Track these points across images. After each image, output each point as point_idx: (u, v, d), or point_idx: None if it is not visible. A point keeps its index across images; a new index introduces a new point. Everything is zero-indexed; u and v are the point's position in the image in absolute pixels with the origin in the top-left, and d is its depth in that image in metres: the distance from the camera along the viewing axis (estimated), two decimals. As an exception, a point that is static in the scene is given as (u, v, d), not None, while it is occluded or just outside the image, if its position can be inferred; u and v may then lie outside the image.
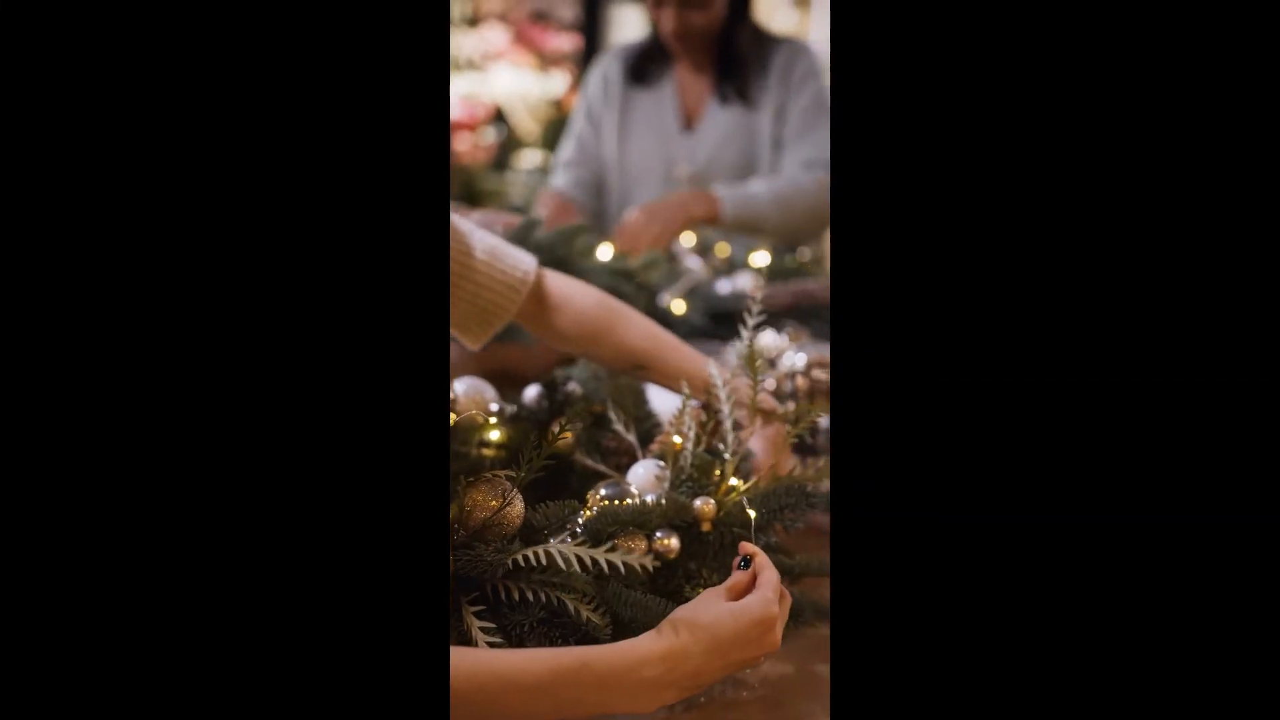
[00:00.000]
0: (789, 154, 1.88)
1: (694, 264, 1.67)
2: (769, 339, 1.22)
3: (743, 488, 0.86)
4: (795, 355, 1.20)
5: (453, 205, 1.29)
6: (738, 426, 0.91)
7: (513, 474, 0.77)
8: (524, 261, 1.01)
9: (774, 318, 1.43)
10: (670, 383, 0.98)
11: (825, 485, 0.88)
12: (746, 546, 0.76)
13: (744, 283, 1.52)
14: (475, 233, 1.00)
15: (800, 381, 1.18)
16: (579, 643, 0.73)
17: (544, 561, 0.71)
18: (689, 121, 1.97)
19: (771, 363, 1.20)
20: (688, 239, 1.76)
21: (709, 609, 0.70)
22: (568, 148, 2.07)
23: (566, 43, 3.73)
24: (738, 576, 0.73)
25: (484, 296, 0.99)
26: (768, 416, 0.95)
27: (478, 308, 1.00)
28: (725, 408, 0.90)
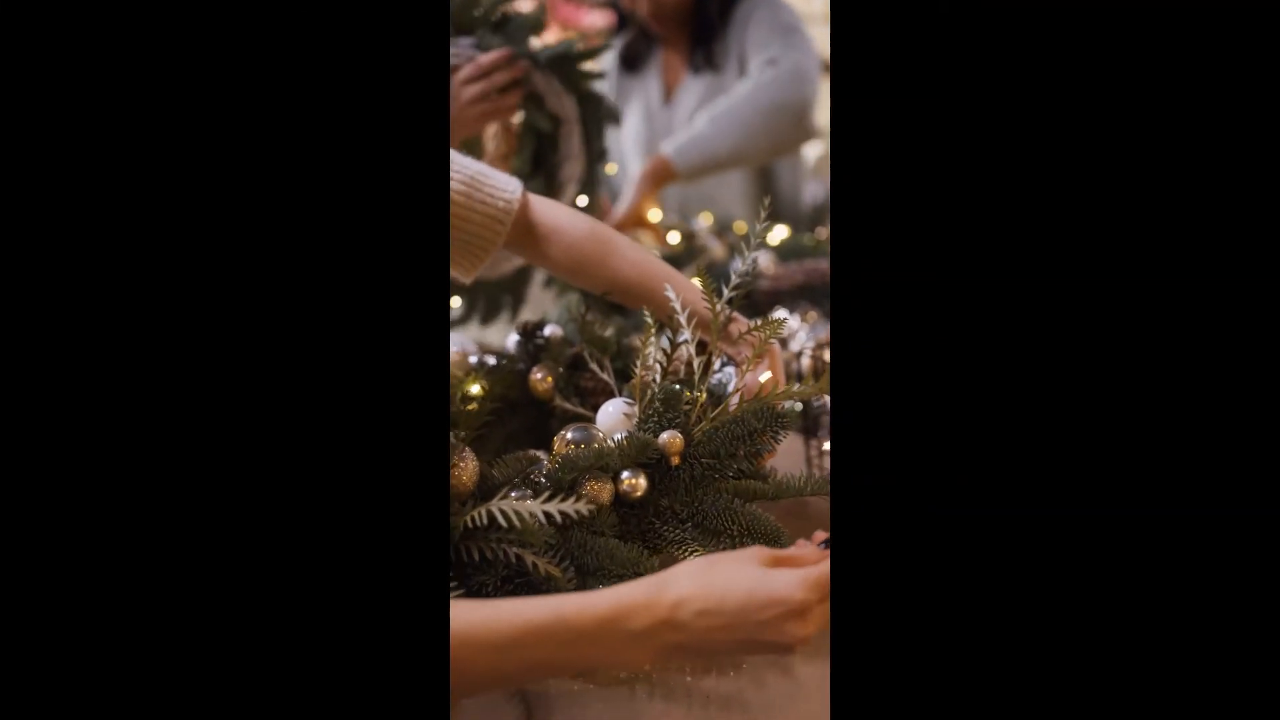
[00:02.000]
0: (752, 67, 1.85)
1: (711, 243, 1.67)
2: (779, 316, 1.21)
3: (710, 417, 0.83)
4: (803, 335, 1.19)
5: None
6: (704, 353, 0.87)
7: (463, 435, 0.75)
8: (507, 189, 0.95)
9: (787, 297, 1.41)
10: (663, 312, 0.95)
11: (797, 406, 0.84)
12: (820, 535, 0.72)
13: (763, 261, 1.51)
14: (455, 160, 0.95)
15: (808, 363, 1.15)
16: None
17: (487, 521, 0.70)
18: (668, 97, 2.00)
19: (784, 342, 1.18)
20: (705, 219, 1.76)
21: (729, 565, 0.63)
22: None
23: (600, 19, 3.68)
24: (793, 551, 0.67)
25: (466, 228, 0.94)
26: (732, 339, 0.91)
27: (461, 240, 0.95)
28: (686, 333, 0.87)
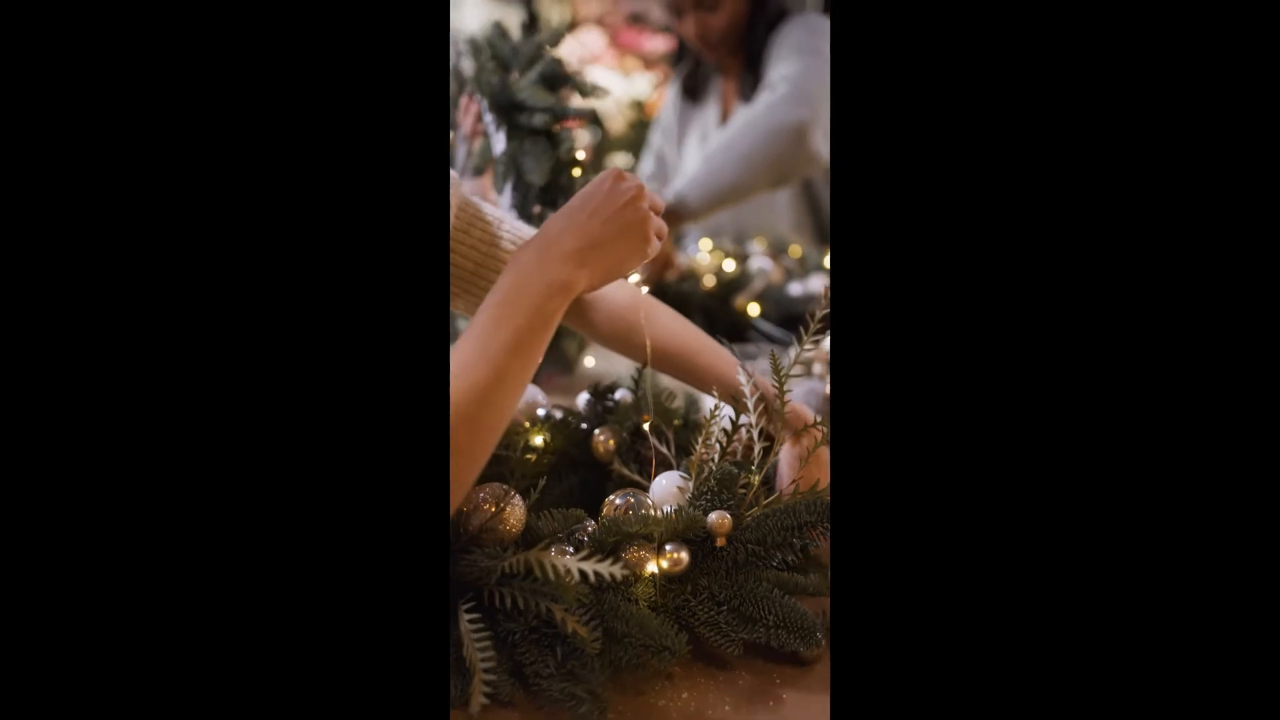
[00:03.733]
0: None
1: (765, 265, 1.65)
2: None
3: (764, 503, 0.82)
4: None
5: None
6: (766, 438, 0.87)
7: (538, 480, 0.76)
8: None
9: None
10: (702, 385, 0.95)
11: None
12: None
13: (816, 285, 1.48)
14: (505, 221, 0.96)
15: None
16: (566, 654, 0.71)
17: (524, 570, 0.70)
18: (724, 124, 1.96)
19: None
20: (759, 243, 1.74)
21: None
22: (648, 163, 2.11)
23: (662, 44, 3.77)
24: None
25: None
26: (795, 428, 0.90)
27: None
28: (751, 418, 0.87)
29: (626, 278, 0.82)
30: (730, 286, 1.64)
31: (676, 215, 1.65)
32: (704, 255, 1.80)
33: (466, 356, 0.68)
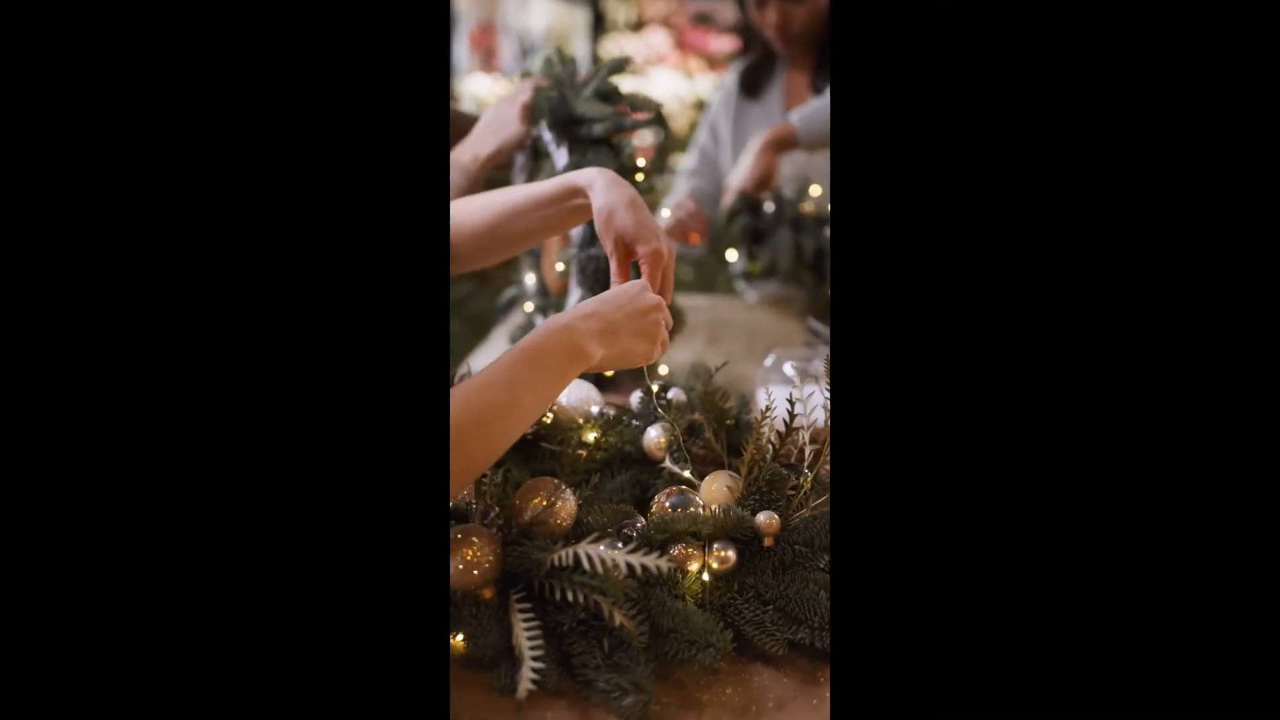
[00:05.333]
0: None
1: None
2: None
3: (813, 505, 0.83)
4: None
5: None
6: (815, 440, 0.88)
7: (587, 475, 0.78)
8: None
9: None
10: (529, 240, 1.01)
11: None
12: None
13: None
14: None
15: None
16: (614, 648, 0.73)
17: (573, 562, 0.71)
18: None
19: None
20: (815, 190, 1.80)
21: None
22: (691, 158, 2.11)
23: (727, 44, 3.76)
24: None
25: None
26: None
27: None
28: (804, 419, 0.87)
29: (628, 368, 0.95)
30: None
31: (789, 140, 1.73)
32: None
33: (491, 379, 0.76)
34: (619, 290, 0.86)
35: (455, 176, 1.23)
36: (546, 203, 0.95)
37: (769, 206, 1.78)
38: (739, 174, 1.78)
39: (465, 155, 1.25)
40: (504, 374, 0.77)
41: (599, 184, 0.91)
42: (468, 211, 0.99)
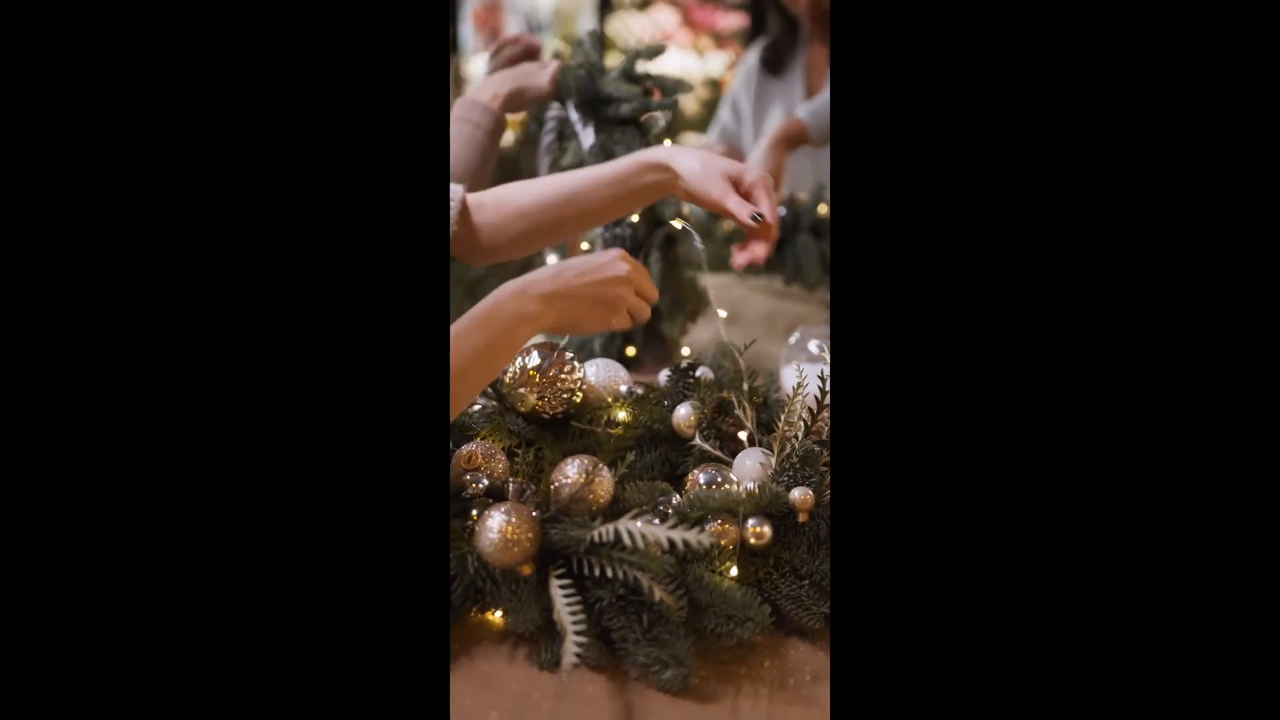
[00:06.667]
0: None
1: None
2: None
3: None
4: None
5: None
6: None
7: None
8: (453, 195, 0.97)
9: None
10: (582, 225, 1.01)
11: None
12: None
13: None
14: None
15: None
16: (653, 623, 0.74)
17: (613, 538, 0.72)
18: (811, 97, 1.94)
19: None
20: None
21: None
22: (713, 135, 2.10)
23: (735, 21, 3.72)
24: None
25: None
26: None
27: None
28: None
29: (582, 334, 0.92)
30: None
31: (799, 136, 1.71)
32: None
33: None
34: (591, 256, 0.86)
35: (474, 114, 1.23)
36: (616, 181, 0.96)
37: (781, 210, 1.76)
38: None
39: (485, 94, 1.26)
40: (459, 333, 0.78)
41: (677, 154, 0.93)
42: (521, 193, 0.99)
